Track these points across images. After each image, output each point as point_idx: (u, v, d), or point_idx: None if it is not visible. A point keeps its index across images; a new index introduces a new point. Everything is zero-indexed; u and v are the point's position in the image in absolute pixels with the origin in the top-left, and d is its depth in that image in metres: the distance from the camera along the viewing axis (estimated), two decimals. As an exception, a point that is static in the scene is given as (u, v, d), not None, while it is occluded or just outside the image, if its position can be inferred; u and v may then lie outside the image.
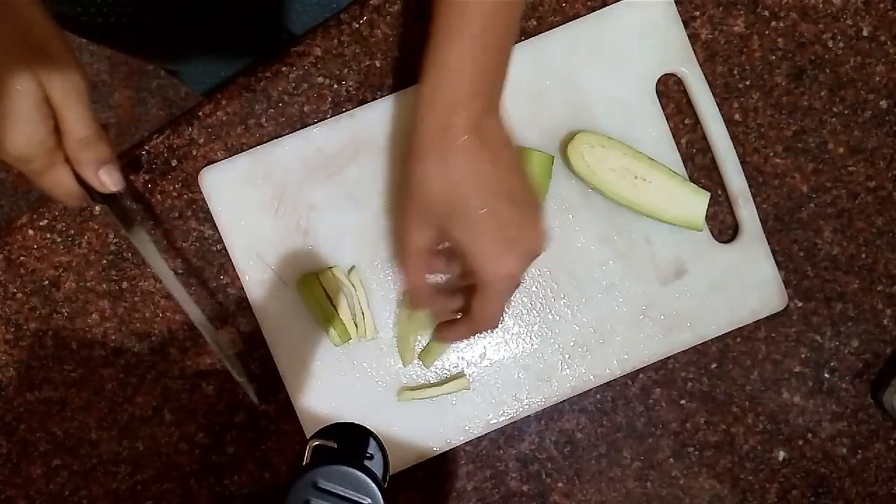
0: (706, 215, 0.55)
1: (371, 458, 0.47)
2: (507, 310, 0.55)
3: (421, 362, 0.55)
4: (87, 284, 0.56)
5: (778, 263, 0.57)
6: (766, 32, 0.57)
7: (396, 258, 0.55)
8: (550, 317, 0.56)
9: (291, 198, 0.55)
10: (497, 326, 0.48)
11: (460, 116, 0.43)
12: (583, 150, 0.53)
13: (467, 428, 0.55)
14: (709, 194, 0.54)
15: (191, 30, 0.72)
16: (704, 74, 0.56)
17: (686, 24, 0.56)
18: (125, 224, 0.49)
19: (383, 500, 0.39)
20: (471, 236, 0.44)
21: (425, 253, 0.48)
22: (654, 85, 0.56)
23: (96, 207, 0.55)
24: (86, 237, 0.56)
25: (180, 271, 0.56)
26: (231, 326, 0.56)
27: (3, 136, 0.41)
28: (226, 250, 0.55)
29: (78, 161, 0.45)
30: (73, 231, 0.56)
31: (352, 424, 0.47)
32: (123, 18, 0.62)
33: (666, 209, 0.54)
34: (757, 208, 0.56)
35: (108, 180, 0.46)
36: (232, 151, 0.56)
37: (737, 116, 0.57)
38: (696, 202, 0.54)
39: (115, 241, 0.56)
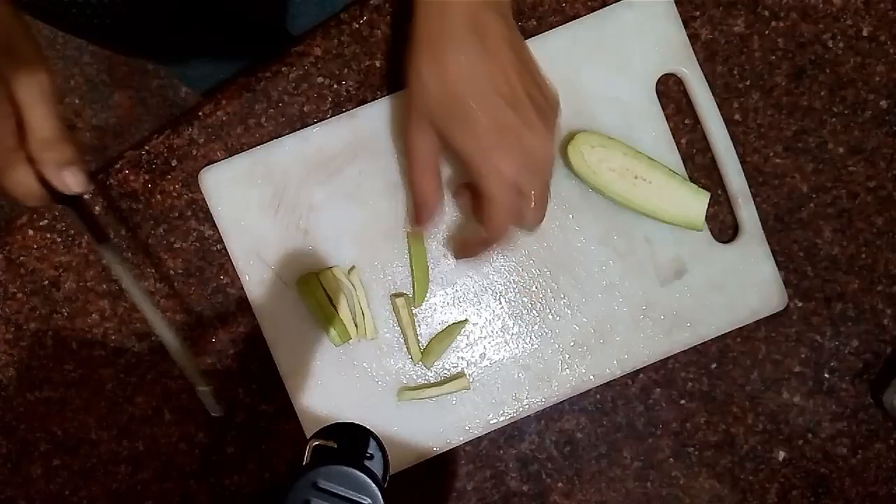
0: (706, 215, 0.55)
1: (371, 458, 0.47)
2: (511, 240, 0.52)
3: (423, 363, 0.55)
4: (87, 284, 0.56)
5: (778, 263, 0.57)
6: (766, 32, 0.57)
7: (407, 174, 0.53)
8: (550, 317, 0.56)
9: (291, 198, 0.55)
10: (507, 239, 0.46)
11: (454, 13, 0.42)
12: (583, 150, 0.53)
13: (467, 428, 0.55)
14: (709, 194, 0.54)
15: (189, 30, 0.72)
16: (704, 74, 0.56)
17: (686, 24, 0.56)
18: (91, 231, 0.48)
19: (383, 500, 0.39)
20: (468, 139, 0.43)
21: (432, 158, 0.47)
22: (654, 85, 0.56)
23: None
24: (86, 237, 0.56)
25: (180, 271, 0.56)
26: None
27: None
28: (226, 250, 0.55)
29: (41, 161, 0.43)
30: (73, 231, 0.56)
31: (352, 424, 0.47)
32: (120, 19, 0.61)
33: (666, 209, 0.54)
34: (757, 208, 0.56)
35: (72, 181, 0.44)
36: (232, 151, 0.56)
37: (737, 116, 0.57)
38: (696, 202, 0.54)
39: (114, 241, 0.56)
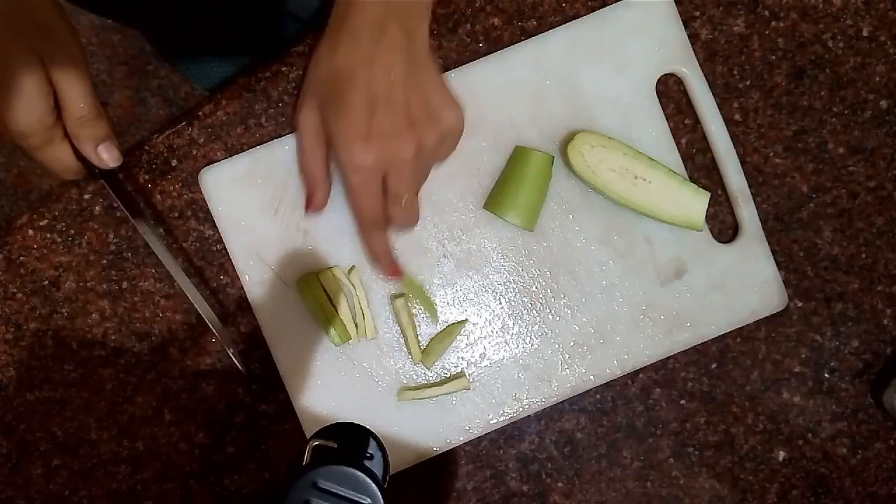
0: (706, 215, 0.55)
1: (371, 458, 0.47)
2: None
3: (423, 363, 0.55)
4: (87, 284, 0.56)
5: (778, 263, 0.57)
6: (766, 32, 0.57)
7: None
8: (550, 317, 0.56)
9: (291, 198, 0.55)
10: (363, 217, 0.49)
11: (362, 15, 0.45)
12: (583, 150, 0.53)
13: (467, 428, 0.55)
14: (709, 194, 0.54)
15: (198, 15, 0.71)
16: (704, 74, 0.56)
17: (686, 24, 0.56)
18: (125, 203, 0.50)
19: (383, 500, 0.39)
20: (337, 124, 0.45)
21: (316, 137, 0.49)
22: (654, 85, 0.56)
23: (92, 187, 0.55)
24: (86, 237, 0.56)
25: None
26: (231, 326, 0.56)
27: (2, 113, 0.42)
28: (226, 250, 0.55)
29: (77, 137, 0.46)
30: (73, 231, 0.56)
31: (352, 424, 0.47)
32: None
33: (666, 209, 0.54)
34: (757, 208, 0.56)
35: (107, 157, 0.47)
36: (232, 151, 0.56)
37: (737, 116, 0.57)
38: (696, 202, 0.54)
39: (115, 240, 0.56)
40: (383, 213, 0.49)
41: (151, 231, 0.51)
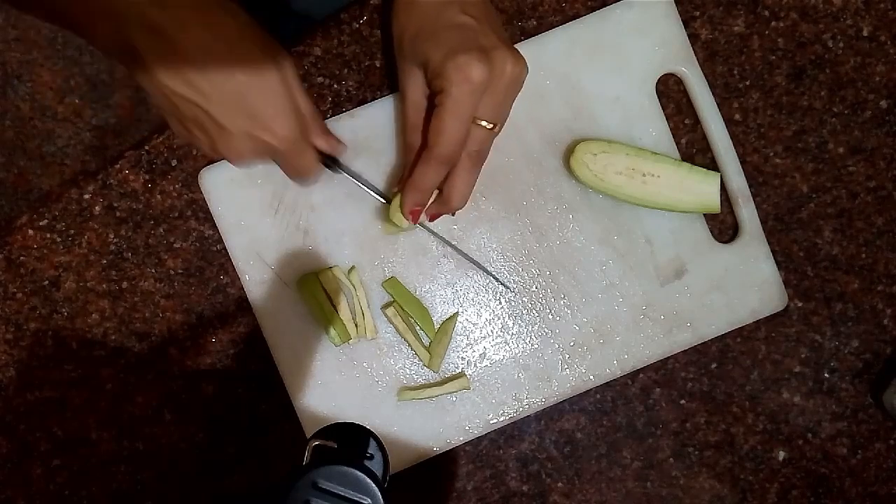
0: (706, 215, 0.55)
1: (371, 458, 0.47)
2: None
3: (428, 367, 0.55)
4: (87, 284, 0.56)
5: (778, 263, 0.57)
6: (766, 32, 0.57)
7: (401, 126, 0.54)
8: (550, 317, 0.56)
9: (291, 198, 0.55)
10: (442, 141, 0.45)
11: None
12: (585, 160, 0.53)
13: (467, 428, 0.55)
14: (718, 174, 0.54)
15: None
16: (704, 74, 0.56)
17: (686, 24, 0.56)
18: (366, 185, 0.53)
19: (383, 500, 0.39)
20: (435, 47, 0.45)
21: (423, 101, 0.49)
22: (654, 85, 0.56)
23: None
24: (86, 237, 0.56)
25: (180, 271, 0.56)
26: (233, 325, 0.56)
27: (273, 120, 0.45)
28: (226, 250, 0.55)
29: (310, 133, 0.48)
30: (73, 231, 0.56)
31: (352, 424, 0.47)
32: None
33: (680, 199, 0.54)
34: (757, 208, 0.56)
35: (337, 143, 0.51)
36: (232, 151, 0.56)
37: (737, 116, 0.57)
38: (707, 185, 0.54)
39: (114, 240, 0.56)
40: (460, 146, 0.46)
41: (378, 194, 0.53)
